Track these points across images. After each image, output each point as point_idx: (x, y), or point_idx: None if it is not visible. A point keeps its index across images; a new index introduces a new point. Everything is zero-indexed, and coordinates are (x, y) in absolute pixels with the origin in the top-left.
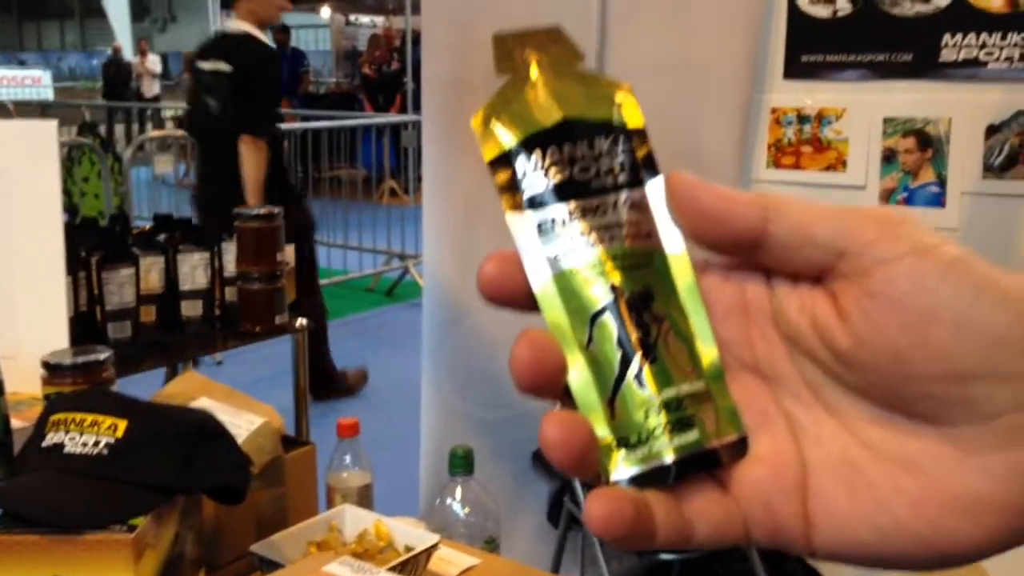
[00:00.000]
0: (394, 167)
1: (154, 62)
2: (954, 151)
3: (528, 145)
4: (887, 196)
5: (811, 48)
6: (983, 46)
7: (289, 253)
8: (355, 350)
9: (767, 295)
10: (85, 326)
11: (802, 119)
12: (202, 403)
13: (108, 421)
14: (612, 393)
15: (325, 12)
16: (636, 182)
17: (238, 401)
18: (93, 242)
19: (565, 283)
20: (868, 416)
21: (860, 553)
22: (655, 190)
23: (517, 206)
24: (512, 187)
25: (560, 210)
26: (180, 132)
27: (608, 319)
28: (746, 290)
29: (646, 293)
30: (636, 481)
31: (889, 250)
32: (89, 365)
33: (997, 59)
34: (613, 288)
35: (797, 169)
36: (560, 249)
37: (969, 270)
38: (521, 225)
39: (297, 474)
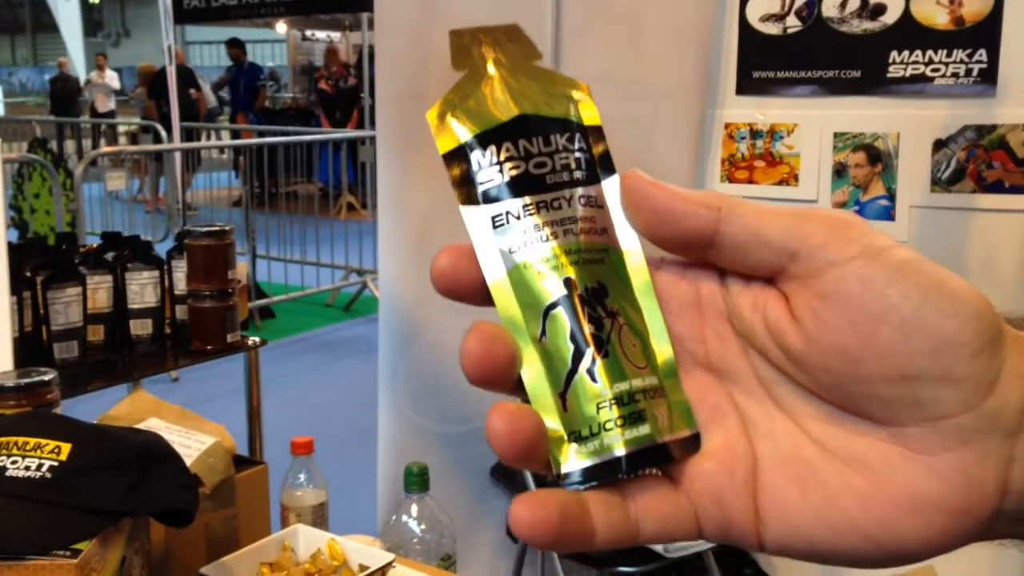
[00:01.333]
0: (352, 182)
1: (112, 77)
2: (903, 165)
3: (483, 140)
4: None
5: (762, 65)
6: (929, 63)
7: (241, 270)
8: (313, 366)
9: (721, 293)
10: (30, 347)
11: (755, 134)
12: (151, 424)
13: (51, 444)
14: (564, 386)
15: (281, 27)
16: (592, 179)
17: (189, 421)
18: (39, 261)
19: (519, 276)
20: (819, 414)
21: (809, 548)
22: (611, 187)
23: (471, 199)
24: (467, 181)
25: (514, 204)
26: (134, 147)
27: (561, 313)
28: (701, 287)
29: (600, 288)
30: (587, 474)
31: (839, 252)
32: (33, 386)
33: (943, 75)
34: (567, 282)
35: (751, 183)
36: (514, 243)
37: (918, 273)
38: (475, 218)
39: (249, 494)
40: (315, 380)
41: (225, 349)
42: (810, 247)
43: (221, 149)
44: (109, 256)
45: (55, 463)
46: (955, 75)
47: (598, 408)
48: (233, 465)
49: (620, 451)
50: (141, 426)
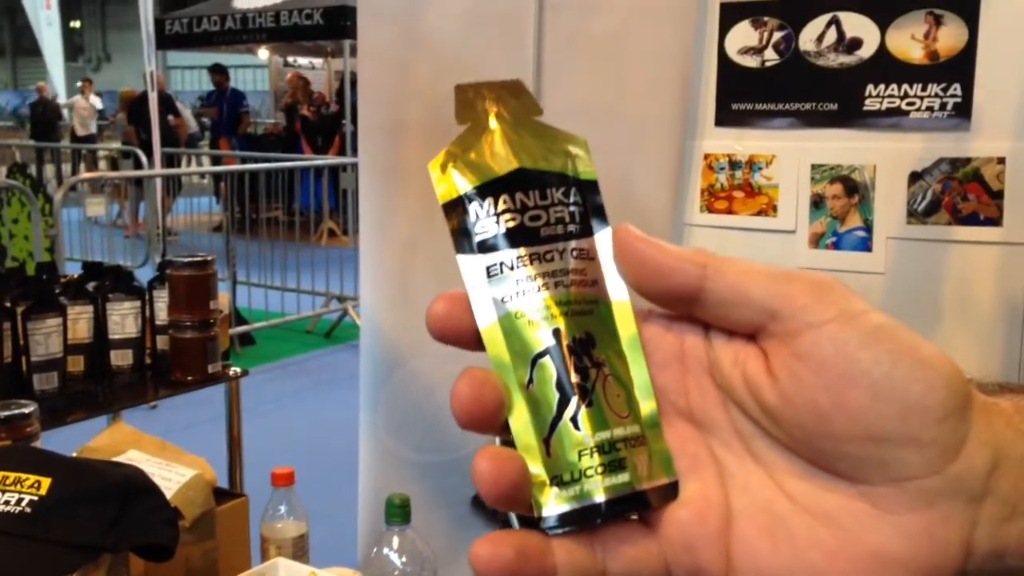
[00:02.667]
0: (333, 208)
1: (96, 101)
2: (879, 197)
3: (482, 191)
4: (816, 240)
5: (741, 97)
6: (905, 96)
7: (223, 300)
8: (293, 393)
9: (704, 347)
10: (10, 378)
11: (734, 165)
12: (131, 456)
13: (32, 479)
14: (548, 432)
15: (263, 53)
16: (586, 232)
17: (169, 453)
18: (19, 291)
19: (510, 324)
20: (793, 469)
21: None
22: (603, 240)
23: (468, 249)
24: (464, 231)
25: (509, 255)
26: (114, 173)
27: (549, 361)
28: (685, 340)
29: (588, 339)
30: (566, 518)
31: (818, 315)
32: (13, 419)
33: (918, 109)
34: (556, 332)
35: (730, 214)
36: (507, 292)
37: (890, 339)
38: (470, 267)
39: (229, 527)
40: (295, 407)
41: (206, 380)
42: (791, 308)
43: (202, 174)
44: (90, 286)
45: (35, 498)
46: (930, 109)
47: (580, 455)
48: (213, 498)
49: (600, 497)
50: (121, 458)
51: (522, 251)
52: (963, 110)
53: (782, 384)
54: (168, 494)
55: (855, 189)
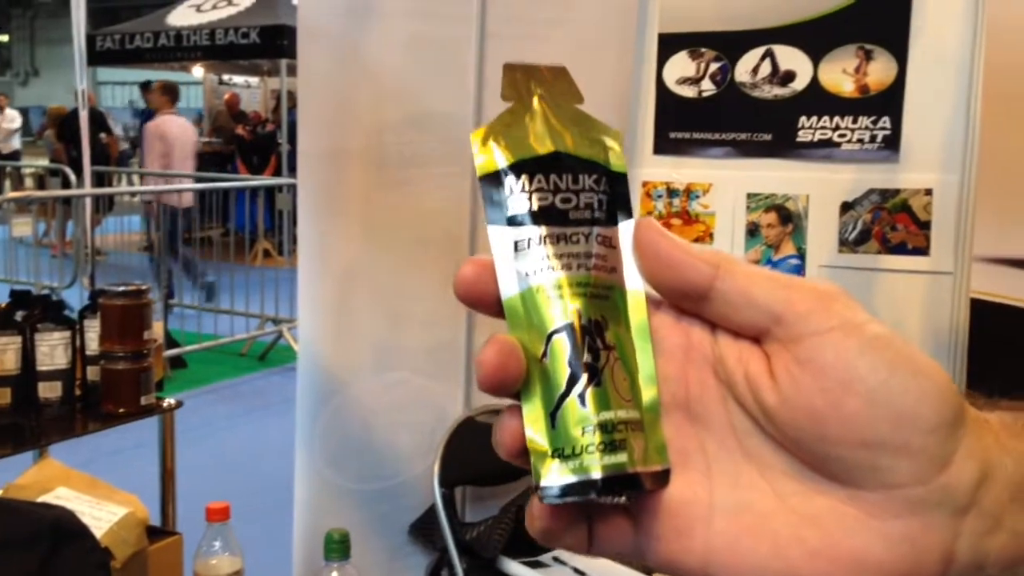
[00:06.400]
0: (268, 228)
1: (12, 117)
2: (812, 226)
3: (518, 168)
4: None
5: (679, 126)
6: (836, 128)
7: (157, 329)
8: (226, 417)
9: (710, 342)
10: None
11: (671, 193)
12: (60, 494)
13: None
14: (555, 406)
15: (198, 71)
16: (611, 220)
17: (100, 490)
18: None
19: (531, 298)
20: (785, 468)
21: None
22: (626, 231)
23: (499, 221)
24: (497, 203)
25: (536, 232)
26: (42, 192)
27: (564, 339)
28: (692, 333)
29: (601, 322)
30: (564, 489)
31: (820, 322)
32: None
33: (849, 140)
34: (572, 311)
35: None
36: (531, 267)
37: (889, 348)
38: (499, 239)
39: (162, 566)
40: (228, 432)
41: (139, 412)
42: (794, 314)
43: (133, 193)
44: (18, 315)
45: None
46: (860, 141)
47: (583, 431)
48: (146, 536)
49: (597, 474)
50: (49, 496)
51: (548, 230)
52: (892, 142)
53: (781, 386)
54: (98, 534)
55: (789, 218)
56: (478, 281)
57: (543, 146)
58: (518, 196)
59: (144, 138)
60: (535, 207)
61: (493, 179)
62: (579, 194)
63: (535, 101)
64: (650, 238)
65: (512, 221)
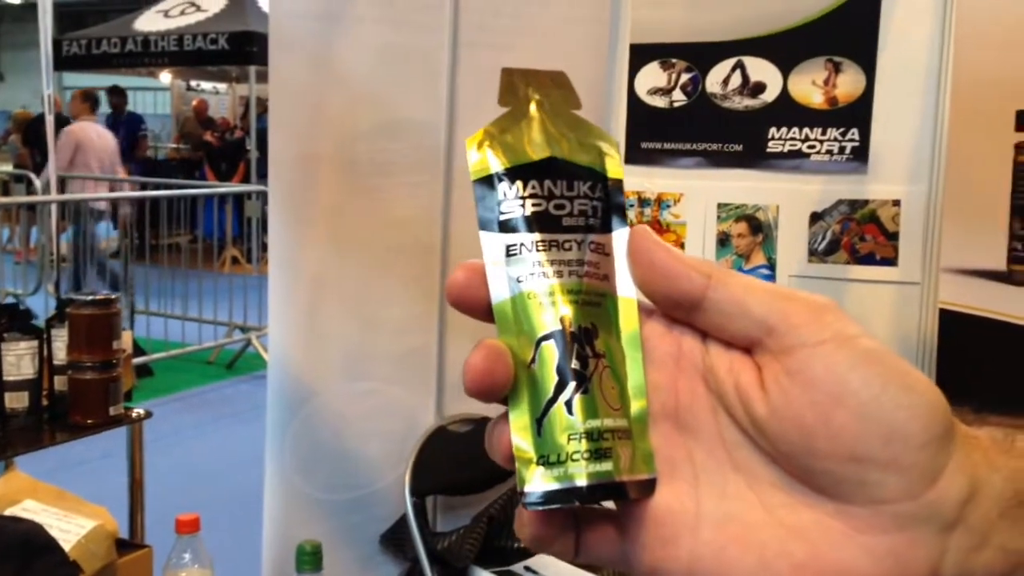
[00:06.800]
0: (236, 235)
1: None
2: (782, 236)
3: (513, 174)
4: None
5: (650, 136)
6: (806, 139)
7: (126, 339)
8: (194, 426)
9: (701, 352)
10: None
11: (643, 202)
12: (27, 506)
13: None
14: (542, 413)
15: (165, 76)
16: (605, 228)
17: (67, 503)
18: None
19: (522, 303)
20: (774, 480)
21: None
22: (620, 239)
23: (491, 226)
24: (490, 207)
25: (529, 238)
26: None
27: (553, 345)
28: (683, 342)
29: (592, 329)
30: (548, 496)
31: (812, 335)
32: None
33: (818, 152)
34: (562, 318)
35: None
36: (523, 272)
37: (880, 363)
38: (491, 244)
39: None
40: (196, 441)
41: (107, 422)
42: (787, 325)
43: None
44: None
45: None
46: (829, 152)
47: (569, 439)
48: (115, 549)
49: (582, 482)
50: (17, 509)
51: (542, 236)
52: (861, 154)
53: (772, 398)
54: (67, 547)
55: (759, 228)
56: (469, 285)
57: (539, 152)
58: (512, 201)
59: (57, 141)
60: (528, 213)
61: (487, 183)
62: (573, 201)
63: (532, 106)
64: (645, 246)
65: (505, 226)
